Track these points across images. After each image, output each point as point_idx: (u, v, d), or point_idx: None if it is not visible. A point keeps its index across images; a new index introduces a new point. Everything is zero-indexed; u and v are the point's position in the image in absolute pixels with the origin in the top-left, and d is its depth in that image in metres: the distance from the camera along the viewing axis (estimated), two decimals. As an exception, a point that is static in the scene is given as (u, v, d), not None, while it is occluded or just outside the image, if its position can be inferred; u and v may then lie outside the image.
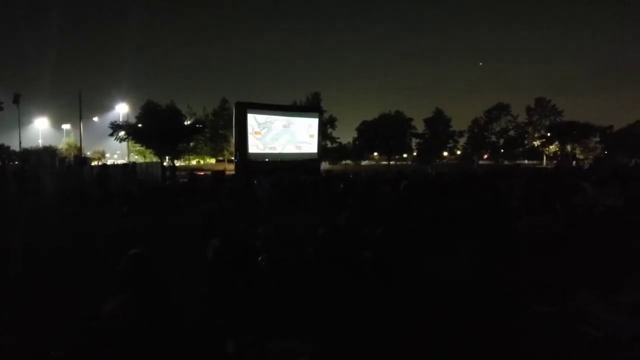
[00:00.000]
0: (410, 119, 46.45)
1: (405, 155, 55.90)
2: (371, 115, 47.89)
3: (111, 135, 29.23)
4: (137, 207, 9.19)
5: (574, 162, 41.19)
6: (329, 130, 46.03)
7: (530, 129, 52.48)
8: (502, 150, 53.25)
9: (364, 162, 55.64)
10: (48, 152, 37.36)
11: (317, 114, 25.58)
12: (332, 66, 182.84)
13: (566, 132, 44.44)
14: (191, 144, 40.65)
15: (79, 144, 33.99)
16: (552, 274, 4.07)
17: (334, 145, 47.19)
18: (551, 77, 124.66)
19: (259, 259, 3.52)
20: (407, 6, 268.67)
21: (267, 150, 22.06)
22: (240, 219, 6.42)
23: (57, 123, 52.47)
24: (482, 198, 7.28)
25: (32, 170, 15.77)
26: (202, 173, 23.54)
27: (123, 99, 37.24)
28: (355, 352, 2.68)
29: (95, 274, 3.93)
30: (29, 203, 10.12)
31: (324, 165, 33.78)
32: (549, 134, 48.31)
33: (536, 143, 51.58)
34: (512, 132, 52.33)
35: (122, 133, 29.24)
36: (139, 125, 29.87)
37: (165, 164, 28.51)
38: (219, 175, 16.15)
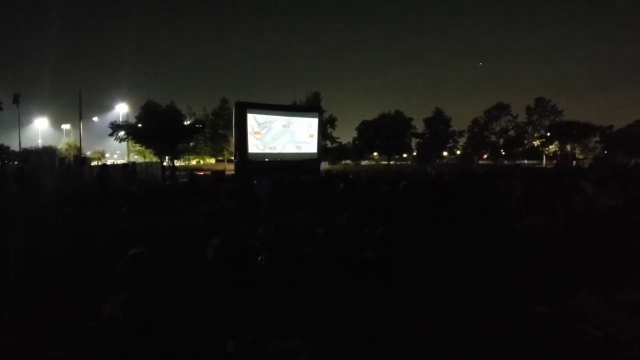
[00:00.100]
0: (410, 119, 46.55)
1: (405, 155, 55.94)
2: (371, 115, 48.01)
3: (111, 135, 29.14)
4: (137, 207, 9.21)
5: (573, 162, 41.17)
6: (329, 130, 46.08)
7: (530, 129, 52.55)
8: (502, 150, 53.28)
9: (363, 162, 55.60)
10: (48, 152, 37.29)
11: (317, 114, 25.60)
12: (332, 66, 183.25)
13: (566, 132, 44.43)
14: (191, 144, 40.61)
15: (78, 144, 33.93)
16: (552, 274, 4.07)
17: (334, 145, 47.25)
18: (551, 77, 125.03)
19: (259, 259, 3.53)
20: (407, 6, 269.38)
21: (267, 150, 22.08)
22: (240, 219, 6.42)
23: (57, 123, 52.52)
24: (482, 198, 7.29)
25: (32, 171, 15.79)
26: (202, 173, 23.52)
27: (123, 99, 37.30)
28: (355, 352, 2.68)
29: (95, 274, 3.94)
30: (29, 203, 10.12)
31: (324, 165, 33.78)
32: (548, 134, 48.32)
33: (536, 143, 51.57)
34: (512, 132, 52.43)
35: (122, 133, 29.15)
36: (139, 125, 29.76)
37: (165, 164, 28.52)
38: (218, 175, 16.17)
